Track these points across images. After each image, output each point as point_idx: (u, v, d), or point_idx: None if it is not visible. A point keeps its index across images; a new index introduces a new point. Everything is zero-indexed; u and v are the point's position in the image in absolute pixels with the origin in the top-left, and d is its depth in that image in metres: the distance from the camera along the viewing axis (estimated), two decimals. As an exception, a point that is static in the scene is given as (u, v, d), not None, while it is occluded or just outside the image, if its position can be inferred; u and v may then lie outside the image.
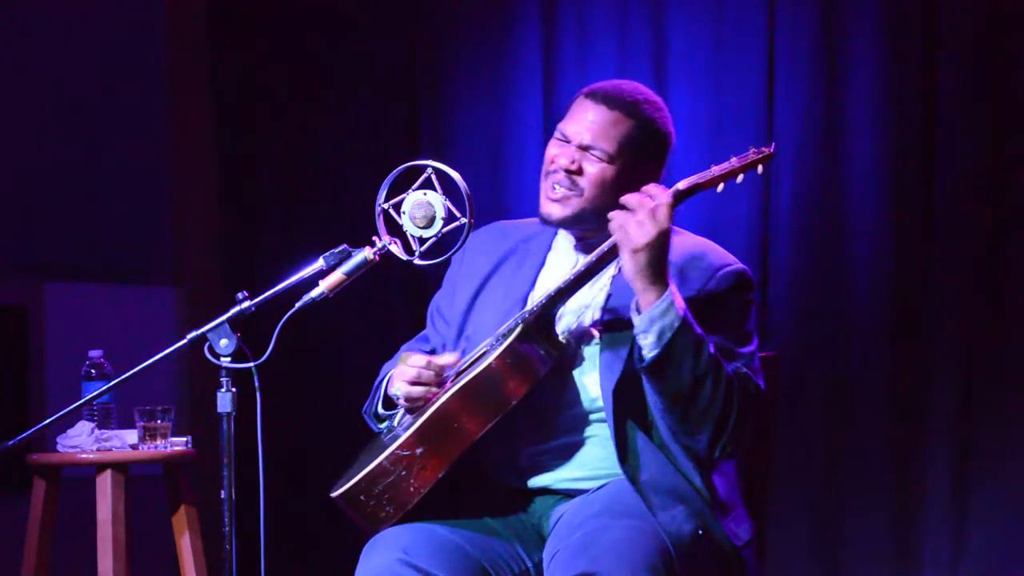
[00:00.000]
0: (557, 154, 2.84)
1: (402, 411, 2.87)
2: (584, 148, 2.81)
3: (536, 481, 2.82)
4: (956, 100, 4.64)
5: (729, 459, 2.80)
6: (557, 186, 2.83)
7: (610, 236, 2.67)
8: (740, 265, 2.82)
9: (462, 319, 2.94)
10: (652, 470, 2.71)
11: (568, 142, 2.83)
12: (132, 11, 5.41)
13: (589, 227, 2.84)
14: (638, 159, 2.82)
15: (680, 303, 2.64)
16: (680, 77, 4.95)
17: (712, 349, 2.67)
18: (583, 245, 2.88)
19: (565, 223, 2.84)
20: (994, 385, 4.61)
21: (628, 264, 2.62)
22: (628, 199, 2.64)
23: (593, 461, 2.80)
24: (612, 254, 2.70)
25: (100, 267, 5.24)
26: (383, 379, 2.95)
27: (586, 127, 2.82)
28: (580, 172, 2.81)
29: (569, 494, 2.81)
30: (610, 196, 2.78)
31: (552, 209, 2.83)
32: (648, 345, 2.64)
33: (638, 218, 2.61)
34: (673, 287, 2.64)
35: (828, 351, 4.78)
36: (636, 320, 2.65)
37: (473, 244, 2.91)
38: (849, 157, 4.77)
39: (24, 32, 5.09)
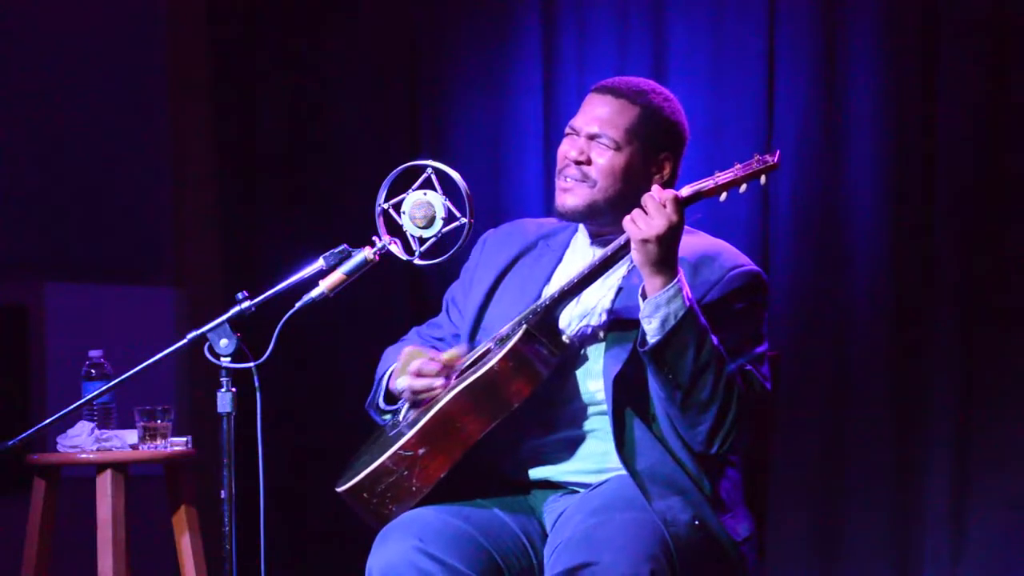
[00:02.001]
0: (567, 148, 2.87)
1: (406, 406, 2.88)
2: (591, 137, 2.85)
3: (536, 473, 2.84)
4: (956, 100, 4.64)
5: (729, 457, 2.80)
6: (568, 178, 2.85)
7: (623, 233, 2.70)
8: (754, 267, 2.83)
9: (477, 312, 2.95)
10: (650, 459, 2.72)
11: (577, 135, 2.86)
12: (132, 10, 5.41)
13: (605, 220, 2.86)
14: (647, 148, 2.85)
15: (688, 292, 2.66)
16: (680, 77, 4.94)
17: (716, 342, 2.68)
18: (600, 242, 2.90)
19: (579, 213, 2.86)
20: (994, 385, 4.61)
21: (637, 254, 2.65)
22: (642, 199, 2.66)
23: (594, 456, 2.81)
24: (619, 254, 2.72)
25: (100, 267, 5.24)
26: (385, 372, 2.95)
27: (593, 117, 2.85)
28: (589, 162, 2.84)
29: (569, 487, 2.82)
30: (623, 186, 2.83)
31: (565, 200, 2.85)
32: (652, 330, 2.66)
33: (647, 211, 2.64)
34: (682, 276, 2.67)
35: (828, 350, 4.77)
36: (642, 305, 2.67)
37: (494, 238, 2.96)
38: (849, 157, 4.77)
39: (23, 32, 5.09)
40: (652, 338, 2.65)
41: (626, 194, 2.81)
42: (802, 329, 4.79)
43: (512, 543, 2.77)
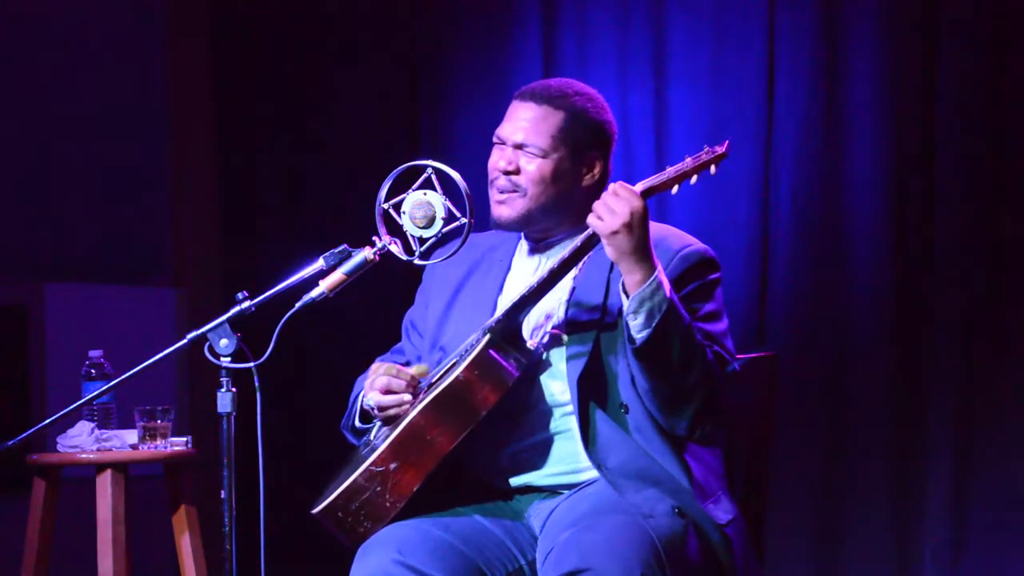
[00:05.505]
0: (496, 159, 2.91)
1: (379, 424, 2.88)
2: (519, 147, 2.88)
3: (518, 480, 2.84)
4: (956, 100, 4.64)
5: (709, 445, 2.82)
6: (500, 190, 2.88)
7: (569, 240, 2.74)
8: (701, 245, 2.85)
9: (436, 331, 2.97)
10: (621, 456, 2.73)
11: (504, 144, 2.90)
12: (133, 11, 5.41)
13: (543, 227, 2.89)
14: (574, 151, 2.87)
15: (667, 283, 2.67)
16: (680, 77, 4.94)
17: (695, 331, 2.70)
18: (543, 246, 2.92)
19: (514, 223, 2.89)
20: (994, 385, 4.61)
21: (610, 248, 2.67)
22: (601, 196, 2.68)
23: (570, 456, 2.81)
24: (578, 256, 2.74)
25: (100, 267, 5.24)
26: (359, 393, 2.96)
27: (518, 126, 2.89)
28: (518, 171, 2.87)
29: (553, 490, 2.83)
30: (554, 191, 2.86)
31: (500, 212, 2.89)
32: (638, 326, 2.66)
33: (607, 203, 2.66)
34: (660, 269, 2.67)
35: (828, 351, 4.78)
36: (625, 302, 2.68)
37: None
38: (849, 157, 4.77)
39: (24, 33, 5.09)
40: (640, 333, 2.66)
41: (558, 198, 2.85)
42: (802, 329, 4.79)
43: (496, 549, 2.77)
